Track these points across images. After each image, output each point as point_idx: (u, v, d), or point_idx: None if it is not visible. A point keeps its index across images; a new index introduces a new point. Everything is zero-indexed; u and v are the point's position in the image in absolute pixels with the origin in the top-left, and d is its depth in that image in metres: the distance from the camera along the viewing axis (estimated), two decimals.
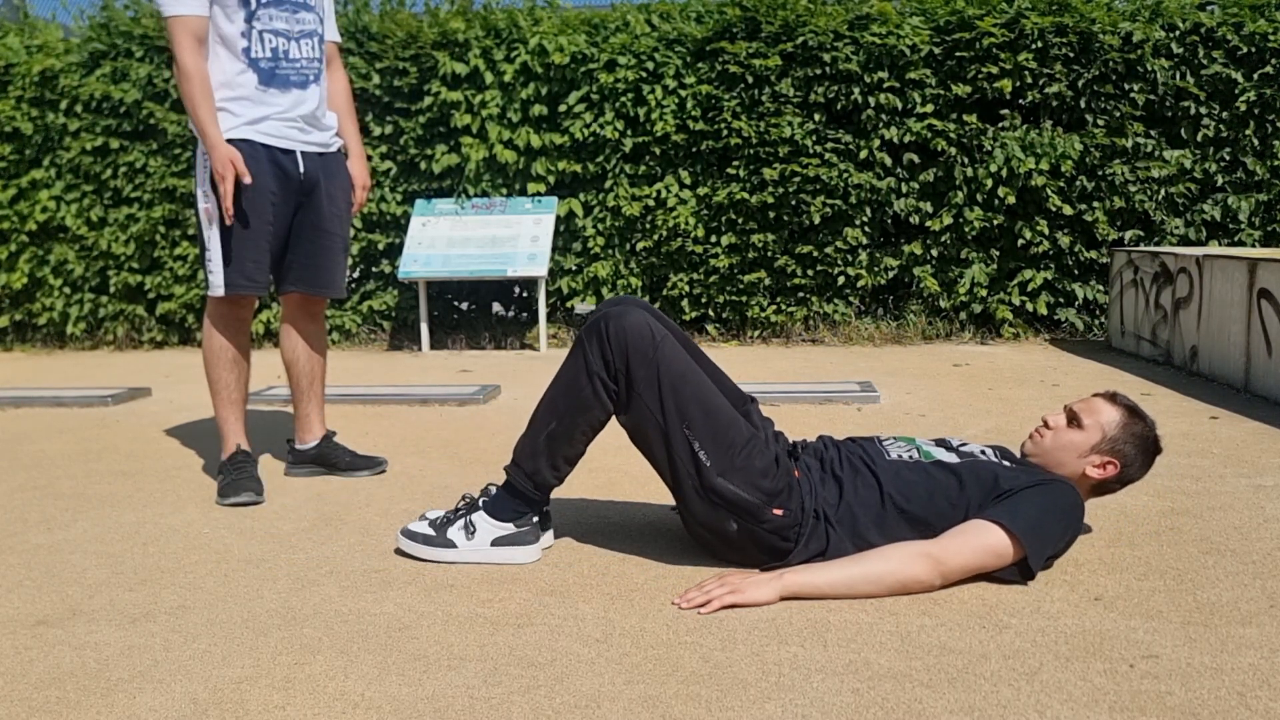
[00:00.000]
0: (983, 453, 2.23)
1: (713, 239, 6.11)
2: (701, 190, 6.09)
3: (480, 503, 2.26)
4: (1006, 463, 2.20)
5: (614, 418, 2.17)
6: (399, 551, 2.31)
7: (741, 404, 2.27)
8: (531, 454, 2.18)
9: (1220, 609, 1.91)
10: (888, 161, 5.98)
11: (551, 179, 6.26)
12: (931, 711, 1.53)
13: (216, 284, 2.82)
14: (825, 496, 2.12)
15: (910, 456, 2.18)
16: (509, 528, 2.22)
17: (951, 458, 2.18)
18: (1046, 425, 2.23)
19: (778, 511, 2.06)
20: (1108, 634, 1.80)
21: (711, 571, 2.14)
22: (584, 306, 6.62)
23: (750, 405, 2.28)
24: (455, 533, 2.23)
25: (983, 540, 1.99)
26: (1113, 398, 2.22)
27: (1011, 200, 5.81)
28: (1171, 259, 4.89)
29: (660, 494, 2.78)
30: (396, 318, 6.49)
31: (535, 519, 2.24)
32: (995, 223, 5.91)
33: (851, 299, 6.16)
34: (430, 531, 2.26)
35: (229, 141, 2.75)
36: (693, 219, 6.08)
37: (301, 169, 2.87)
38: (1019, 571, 2.01)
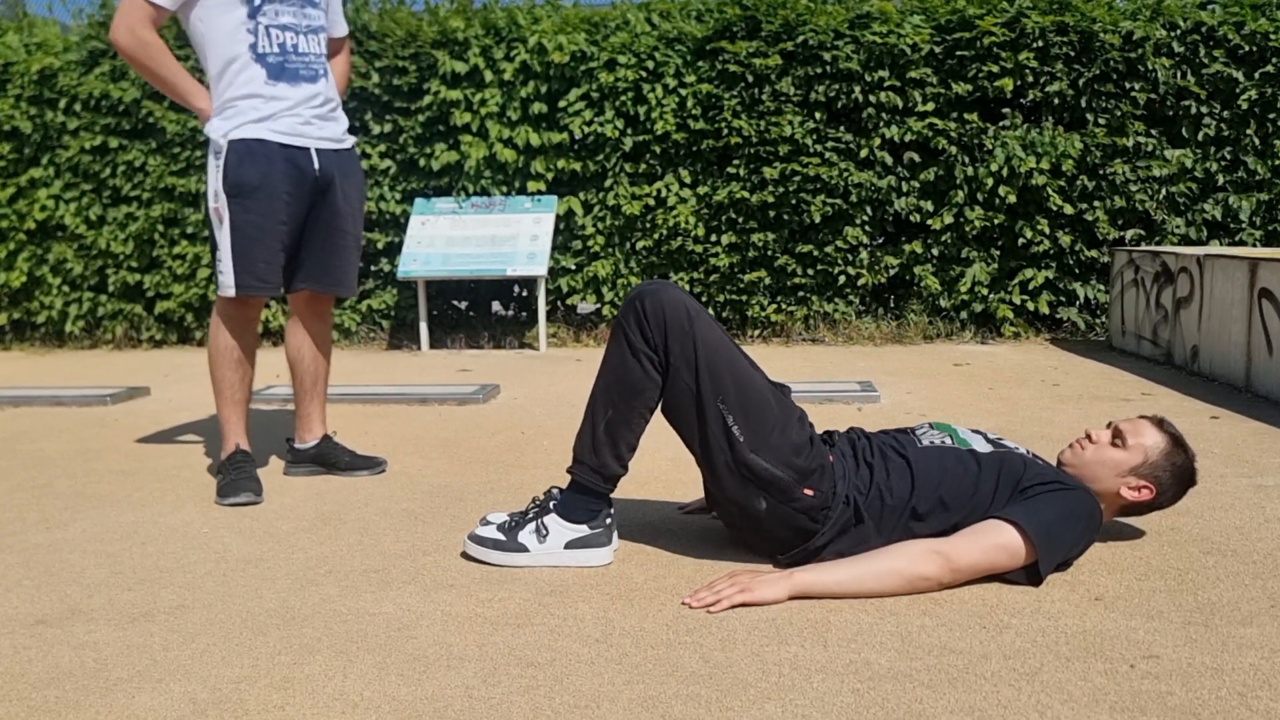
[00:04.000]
0: (1016, 449, 2.23)
1: (713, 238, 6.10)
2: (701, 189, 6.08)
3: (550, 505, 2.21)
4: (1039, 460, 2.20)
5: None
6: (466, 556, 2.25)
7: (775, 387, 2.25)
8: (593, 447, 2.15)
9: (1221, 609, 1.91)
10: (888, 160, 5.97)
11: (551, 177, 6.25)
12: (932, 712, 1.53)
13: (227, 284, 2.80)
14: (857, 483, 2.11)
15: (944, 443, 2.18)
16: (583, 529, 2.18)
17: (986, 447, 2.18)
18: (1089, 438, 2.22)
19: (808, 491, 2.05)
20: (1108, 634, 1.80)
21: (714, 570, 2.14)
22: (585, 306, 6.62)
23: (784, 390, 2.25)
24: (526, 536, 2.18)
25: (995, 540, 1.99)
26: (1160, 423, 2.21)
27: (1012, 199, 5.81)
28: (1172, 258, 4.89)
29: (661, 494, 2.78)
30: (396, 317, 6.48)
31: (609, 518, 2.20)
32: (996, 222, 5.90)
33: (852, 298, 6.16)
34: (500, 536, 2.20)
35: (242, 140, 2.75)
36: (693, 218, 6.08)
37: (317, 166, 2.85)
38: (1027, 575, 2.01)
